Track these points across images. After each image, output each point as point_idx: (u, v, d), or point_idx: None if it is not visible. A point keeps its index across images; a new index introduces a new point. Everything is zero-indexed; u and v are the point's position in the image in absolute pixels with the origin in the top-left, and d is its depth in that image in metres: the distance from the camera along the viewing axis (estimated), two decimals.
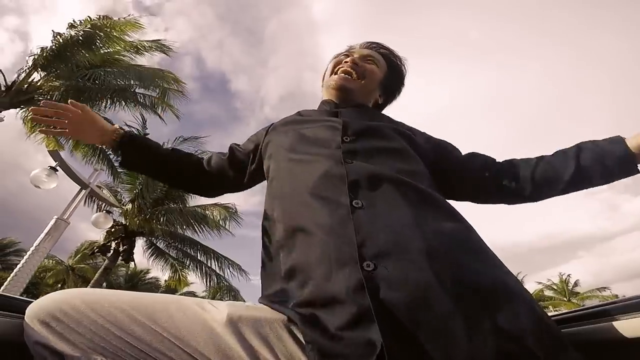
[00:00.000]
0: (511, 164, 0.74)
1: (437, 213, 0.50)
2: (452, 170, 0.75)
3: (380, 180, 0.52)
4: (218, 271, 9.62)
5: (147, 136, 0.90)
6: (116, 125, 0.84)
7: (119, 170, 8.07)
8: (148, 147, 0.84)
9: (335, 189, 0.52)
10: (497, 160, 0.76)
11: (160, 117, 7.84)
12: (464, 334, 0.35)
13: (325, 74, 0.94)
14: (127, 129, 0.83)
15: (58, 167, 4.63)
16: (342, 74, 0.84)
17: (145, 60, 7.87)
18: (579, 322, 0.49)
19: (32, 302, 0.46)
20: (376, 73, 0.87)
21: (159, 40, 7.79)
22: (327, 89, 0.87)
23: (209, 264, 9.61)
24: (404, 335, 0.35)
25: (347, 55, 0.88)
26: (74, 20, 6.77)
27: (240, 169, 0.85)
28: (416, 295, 0.37)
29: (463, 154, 0.79)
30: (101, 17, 7.18)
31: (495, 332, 0.35)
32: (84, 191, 4.95)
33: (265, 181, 0.75)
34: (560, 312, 0.57)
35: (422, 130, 0.83)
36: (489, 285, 0.39)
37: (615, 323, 0.44)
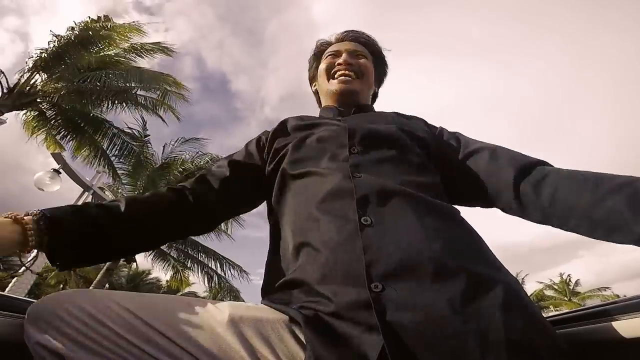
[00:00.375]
0: (542, 179, 0.55)
1: (447, 226, 0.49)
2: (454, 174, 0.66)
3: (388, 195, 0.51)
4: (219, 272, 9.64)
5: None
6: (23, 218, 0.48)
7: (119, 172, 8.10)
8: (93, 225, 0.53)
9: (344, 204, 0.51)
10: (530, 167, 0.57)
11: (161, 118, 7.86)
12: (476, 351, 0.35)
13: (316, 78, 0.91)
14: (41, 215, 0.49)
15: (61, 170, 4.65)
16: (343, 77, 0.81)
17: (146, 61, 7.91)
18: (578, 322, 0.49)
19: (33, 302, 0.46)
20: (369, 67, 0.86)
21: (160, 43, 7.82)
22: (328, 95, 0.84)
23: (210, 265, 9.62)
24: (413, 355, 0.35)
25: (335, 55, 0.85)
26: (74, 22, 6.80)
27: (250, 185, 0.72)
28: (425, 317, 0.37)
29: (484, 150, 0.65)
30: (102, 18, 7.20)
31: (507, 345, 0.35)
32: (86, 194, 4.97)
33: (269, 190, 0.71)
34: (560, 312, 0.57)
35: (431, 123, 0.78)
36: (498, 299, 0.39)
37: (615, 323, 0.43)
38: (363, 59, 0.85)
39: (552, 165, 0.58)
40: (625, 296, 0.51)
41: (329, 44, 0.91)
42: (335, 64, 0.83)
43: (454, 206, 0.56)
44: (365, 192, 0.51)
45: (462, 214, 0.57)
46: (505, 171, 0.59)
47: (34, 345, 0.41)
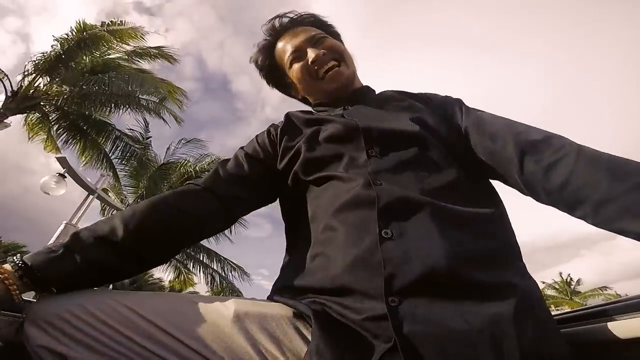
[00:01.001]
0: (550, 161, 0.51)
1: (469, 236, 0.46)
2: (460, 152, 0.61)
3: (410, 206, 0.49)
4: (221, 272, 9.67)
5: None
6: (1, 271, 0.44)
7: (121, 174, 8.14)
8: (91, 264, 0.49)
9: (364, 215, 0.49)
10: (537, 145, 0.53)
11: (163, 119, 7.89)
12: None
13: (293, 85, 0.80)
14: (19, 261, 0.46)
15: (66, 174, 4.72)
16: (331, 73, 0.72)
17: (148, 64, 7.94)
18: (579, 322, 0.49)
19: (32, 301, 0.45)
20: (338, 44, 0.76)
21: (163, 48, 7.86)
22: (322, 95, 0.76)
23: (212, 266, 9.65)
24: None
25: (299, 55, 0.74)
26: (77, 23, 6.84)
27: (267, 179, 0.68)
28: (441, 329, 0.37)
29: (483, 127, 0.61)
30: (106, 24, 7.25)
31: (520, 355, 0.36)
32: (91, 197, 4.99)
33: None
34: (561, 312, 0.57)
35: (436, 95, 0.72)
36: (513, 308, 0.39)
37: (615, 323, 0.43)
38: (327, 41, 0.74)
39: (565, 139, 0.53)
40: (627, 295, 0.51)
41: (271, 43, 0.79)
42: (310, 63, 0.72)
43: (478, 208, 0.51)
44: (386, 202, 0.49)
45: (489, 210, 0.52)
46: (508, 152, 0.55)
47: (35, 347, 0.41)
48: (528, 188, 0.54)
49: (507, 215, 0.55)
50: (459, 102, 0.69)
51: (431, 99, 0.71)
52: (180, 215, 0.57)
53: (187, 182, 0.64)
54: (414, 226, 0.47)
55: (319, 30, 0.76)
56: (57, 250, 0.47)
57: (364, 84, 0.80)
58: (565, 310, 0.57)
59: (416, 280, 0.41)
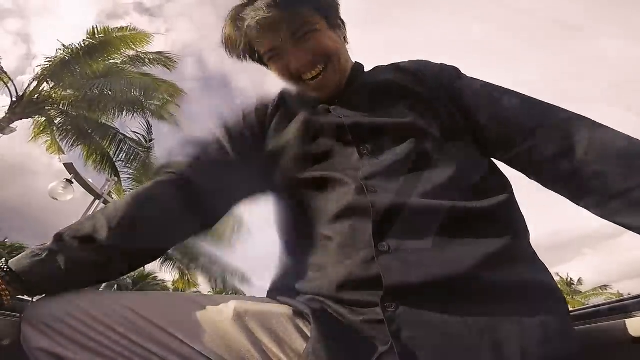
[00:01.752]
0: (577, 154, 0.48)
1: (474, 236, 0.44)
2: (459, 134, 0.57)
3: (408, 214, 0.46)
4: (223, 273, 9.75)
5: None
6: None
7: (124, 176, 8.24)
8: (77, 264, 0.47)
9: (359, 226, 0.47)
10: (548, 131, 0.51)
11: (167, 121, 7.96)
12: None
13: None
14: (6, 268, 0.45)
15: (73, 180, 4.80)
16: (314, 83, 0.60)
17: (150, 69, 8.04)
18: (580, 322, 0.49)
19: (29, 301, 0.45)
20: (323, 36, 0.60)
21: (162, 52, 7.97)
22: (301, 92, 0.67)
23: (214, 267, 9.71)
24: None
25: (277, 55, 0.60)
26: (89, 31, 6.96)
27: (251, 167, 0.63)
28: (440, 333, 0.37)
29: (487, 109, 0.56)
30: (116, 29, 7.35)
31: (522, 357, 0.35)
32: (97, 202, 5.06)
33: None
34: None
35: (429, 68, 0.63)
36: (515, 309, 0.38)
37: (616, 322, 0.43)
38: (313, 37, 0.59)
39: (578, 122, 0.50)
40: (629, 294, 0.50)
41: (238, 29, 0.59)
42: (291, 67, 0.60)
43: (485, 198, 0.48)
44: (382, 213, 0.46)
45: (500, 197, 0.48)
46: (514, 137, 0.53)
47: (33, 350, 0.40)
48: (534, 173, 0.53)
49: (514, 196, 0.52)
50: (456, 72, 0.63)
51: (424, 72, 0.62)
52: (164, 209, 0.56)
53: (169, 171, 0.60)
54: (411, 237, 0.45)
55: (308, 15, 0.59)
56: (40, 253, 0.46)
57: (355, 62, 0.69)
58: (569, 310, 0.57)
59: (414, 288, 0.41)
